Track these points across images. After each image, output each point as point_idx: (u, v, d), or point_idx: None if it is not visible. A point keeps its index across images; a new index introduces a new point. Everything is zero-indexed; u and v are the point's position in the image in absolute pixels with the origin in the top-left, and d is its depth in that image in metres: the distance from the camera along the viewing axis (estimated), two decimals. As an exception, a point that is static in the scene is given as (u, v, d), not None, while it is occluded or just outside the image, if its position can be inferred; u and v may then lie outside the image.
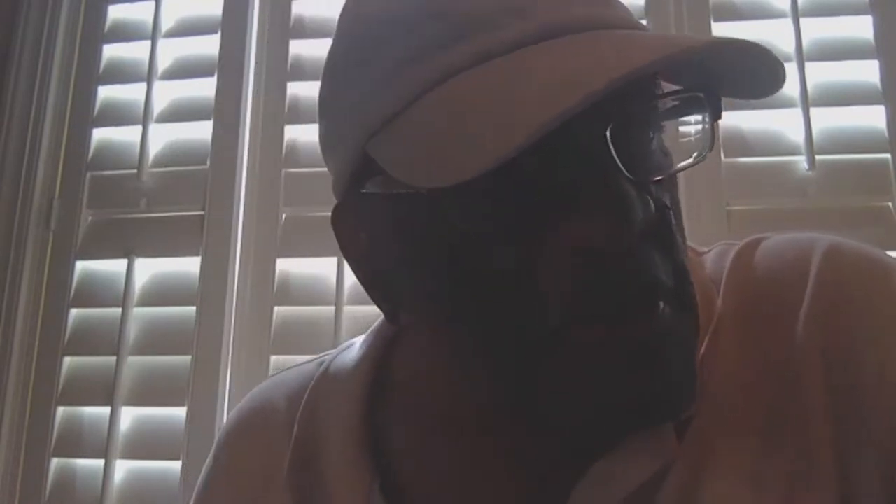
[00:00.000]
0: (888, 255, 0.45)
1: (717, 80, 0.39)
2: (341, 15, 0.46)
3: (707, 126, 0.39)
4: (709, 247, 0.50)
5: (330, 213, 0.45)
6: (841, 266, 0.43)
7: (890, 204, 1.07)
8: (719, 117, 0.39)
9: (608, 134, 0.35)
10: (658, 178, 0.39)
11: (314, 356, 0.57)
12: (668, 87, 0.40)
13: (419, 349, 0.49)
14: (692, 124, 0.40)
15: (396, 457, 0.48)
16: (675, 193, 0.41)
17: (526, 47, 0.37)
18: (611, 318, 0.37)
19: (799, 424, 0.40)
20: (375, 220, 0.43)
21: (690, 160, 0.40)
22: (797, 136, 1.10)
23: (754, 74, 0.39)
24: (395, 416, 0.49)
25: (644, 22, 1.16)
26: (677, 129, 0.41)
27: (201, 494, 0.55)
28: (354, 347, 0.53)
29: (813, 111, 1.09)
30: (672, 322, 0.38)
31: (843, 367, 0.40)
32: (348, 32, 0.45)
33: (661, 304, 0.37)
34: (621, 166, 0.35)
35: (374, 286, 0.44)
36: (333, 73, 0.45)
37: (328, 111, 0.45)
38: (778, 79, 0.39)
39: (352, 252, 0.45)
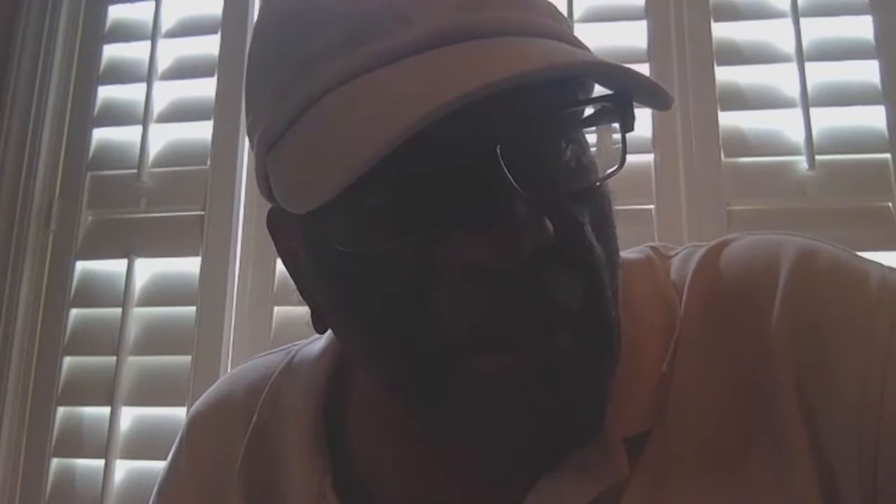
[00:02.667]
0: (858, 258, 0.43)
1: (636, 90, 0.37)
2: (260, 7, 0.45)
3: (619, 137, 0.37)
4: (676, 249, 0.48)
5: None
6: (810, 275, 0.41)
7: (890, 204, 1.07)
8: (630, 129, 0.37)
9: (498, 148, 0.33)
10: (569, 191, 0.37)
11: (284, 346, 0.57)
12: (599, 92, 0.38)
13: None
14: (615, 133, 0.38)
15: (351, 452, 0.48)
16: (601, 207, 0.39)
17: (409, 57, 0.35)
18: (500, 345, 0.35)
19: (772, 434, 0.39)
20: (295, 230, 0.42)
21: (600, 177, 0.38)
22: (797, 136, 1.10)
23: (647, 86, 0.36)
24: (351, 413, 0.49)
25: (644, 23, 1.16)
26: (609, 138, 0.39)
27: (162, 486, 0.55)
28: (322, 338, 0.52)
29: (813, 111, 1.09)
30: (571, 351, 0.35)
31: (818, 376, 0.39)
32: (257, 31, 0.44)
33: (559, 328, 0.35)
34: (512, 181, 0.33)
35: (302, 291, 0.44)
36: (247, 75, 0.44)
37: (246, 115, 0.44)
38: (664, 93, 0.37)
39: (284, 256, 0.45)
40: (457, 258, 0.34)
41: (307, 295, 0.44)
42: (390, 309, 0.36)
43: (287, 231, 0.44)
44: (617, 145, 0.38)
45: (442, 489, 0.44)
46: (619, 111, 0.37)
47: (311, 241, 0.40)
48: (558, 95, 0.37)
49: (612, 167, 0.38)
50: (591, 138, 0.40)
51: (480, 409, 0.36)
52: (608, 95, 0.37)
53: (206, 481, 0.52)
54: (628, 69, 0.35)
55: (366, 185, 0.32)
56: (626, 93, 0.37)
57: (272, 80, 0.39)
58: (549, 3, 0.40)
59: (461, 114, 0.31)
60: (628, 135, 0.38)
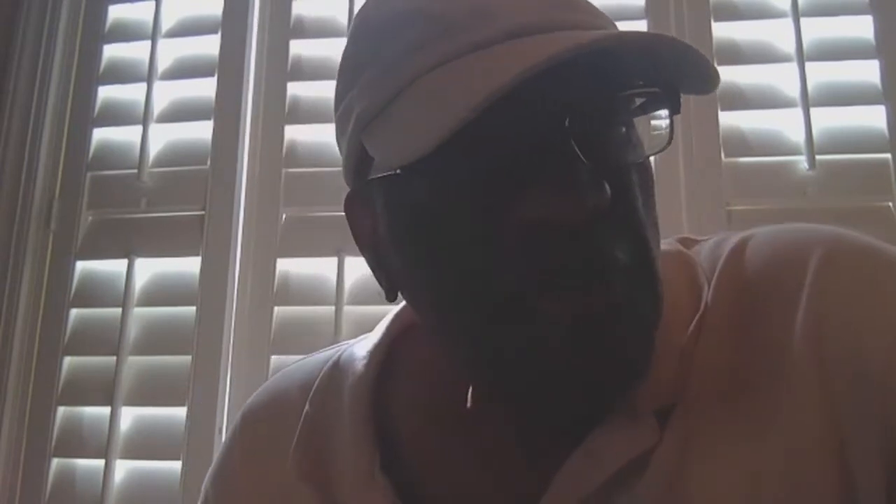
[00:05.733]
0: (887, 248, 0.44)
1: (682, 78, 0.42)
2: (354, 18, 0.51)
3: (667, 121, 0.43)
4: (707, 236, 0.51)
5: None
6: (840, 263, 0.43)
7: (890, 204, 1.07)
8: (677, 112, 0.42)
9: (567, 122, 0.39)
10: (623, 163, 0.42)
11: (332, 346, 0.60)
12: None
13: (423, 335, 0.51)
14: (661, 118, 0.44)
15: (399, 439, 0.50)
16: (647, 180, 0.44)
17: (495, 45, 0.40)
18: (562, 288, 0.39)
19: (793, 410, 0.41)
20: (374, 204, 0.46)
21: (647, 154, 0.44)
22: (797, 136, 1.10)
23: (699, 69, 0.41)
24: (399, 402, 0.51)
25: (644, 22, 1.16)
26: (649, 123, 0.44)
27: (215, 482, 0.57)
28: (371, 335, 0.55)
29: (813, 111, 1.09)
30: (624, 297, 0.40)
31: (842, 357, 0.41)
32: (353, 35, 0.49)
33: (612, 280, 0.39)
34: (578, 152, 0.38)
35: (377, 267, 0.48)
36: (340, 73, 0.49)
37: (337, 108, 0.49)
38: (712, 73, 0.42)
39: (359, 236, 0.49)
40: (527, 213, 0.39)
41: (381, 269, 0.48)
42: (465, 257, 0.41)
43: (364, 210, 0.48)
44: (658, 131, 0.43)
45: (483, 473, 0.47)
46: (668, 98, 0.42)
47: (396, 203, 0.44)
48: (618, 80, 0.41)
49: (656, 146, 0.43)
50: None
51: (543, 348, 0.40)
52: (658, 83, 0.42)
53: (262, 475, 0.54)
54: (689, 47, 0.40)
55: (452, 147, 0.37)
56: (674, 82, 0.42)
57: (370, 70, 0.45)
58: (597, 8, 0.46)
59: (539, 90, 0.37)
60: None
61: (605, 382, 0.40)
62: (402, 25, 0.44)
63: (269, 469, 0.53)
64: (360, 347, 0.55)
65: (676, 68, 0.41)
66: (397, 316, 0.55)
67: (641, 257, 0.41)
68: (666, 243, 0.50)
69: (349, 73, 0.47)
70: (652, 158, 0.44)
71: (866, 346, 0.40)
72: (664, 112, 0.43)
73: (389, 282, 0.47)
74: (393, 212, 0.45)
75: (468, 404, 0.48)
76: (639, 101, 0.43)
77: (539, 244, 0.39)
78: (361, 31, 0.48)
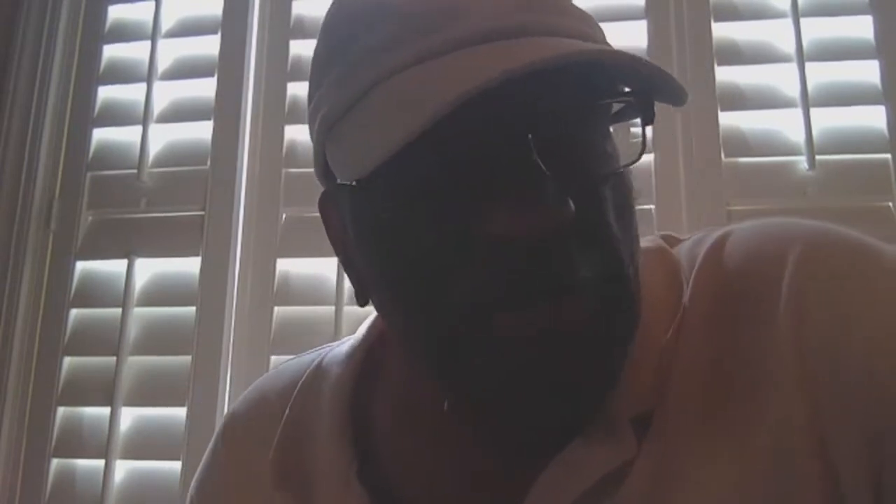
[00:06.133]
0: (871, 241, 0.44)
1: (654, 91, 0.40)
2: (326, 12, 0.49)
3: (640, 131, 0.41)
4: (689, 234, 0.51)
5: None
6: (818, 264, 0.42)
7: (890, 204, 1.07)
8: (650, 122, 0.41)
9: (531, 135, 0.37)
10: (591, 176, 0.40)
11: (316, 348, 0.59)
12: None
13: (393, 339, 0.51)
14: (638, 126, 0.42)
15: (377, 445, 0.50)
16: (622, 193, 0.42)
17: (458, 50, 0.39)
18: (519, 306, 0.38)
19: (774, 412, 0.40)
20: (342, 208, 0.46)
21: (621, 165, 0.42)
22: (797, 136, 1.10)
23: (669, 84, 0.40)
24: (378, 407, 0.51)
25: (644, 22, 1.16)
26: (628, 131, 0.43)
27: (200, 486, 0.57)
28: (350, 338, 0.55)
29: (813, 111, 1.09)
30: (588, 312, 0.39)
31: (823, 356, 0.40)
32: (322, 30, 0.48)
33: (575, 295, 0.38)
34: (541, 165, 0.37)
35: (348, 268, 0.48)
36: (311, 69, 0.48)
37: (308, 106, 0.49)
38: (681, 89, 0.40)
39: (331, 237, 0.49)
40: (488, 227, 0.38)
41: (352, 271, 0.48)
42: (427, 270, 0.40)
43: (336, 211, 0.47)
44: (636, 139, 0.41)
45: (460, 477, 0.46)
46: (640, 107, 0.41)
47: (358, 212, 0.44)
48: (588, 89, 0.40)
49: (630, 157, 0.42)
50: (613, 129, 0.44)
51: (501, 365, 0.39)
52: (631, 92, 0.41)
53: (244, 479, 0.54)
54: (654, 66, 0.38)
55: (410, 156, 0.36)
56: (648, 91, 0.40)
57: (336, 68, 0.43)
58: (584, 12, 0.44)
59: (502, 99, 0.36)
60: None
61: (568, 401, 0.40)
62: (369, 21, 0.42)
63: (251, 475, 0.53)
64: (342, 350, 0.54)
65: (648, 80, 0.39)
66: (379, 317, 0.54)
67: (612, 272, 0.40)
68: (648, 240, 0.49)
69: (317, 70, 0.46)
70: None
71: (847, 341, 0.40)
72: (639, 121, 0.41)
73: (360, 284, 0.47)
74: (357, 219, 0.44)
75: (445, 408, 0.47)
76: (613, 109, 0.42)
77: (500, 259, 0.38)
78: (329, 27, 0.46)
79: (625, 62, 0.38)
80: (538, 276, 0.38)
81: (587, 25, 0.43)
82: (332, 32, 0.46)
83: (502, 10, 0.40)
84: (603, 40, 0.43)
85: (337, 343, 0.58)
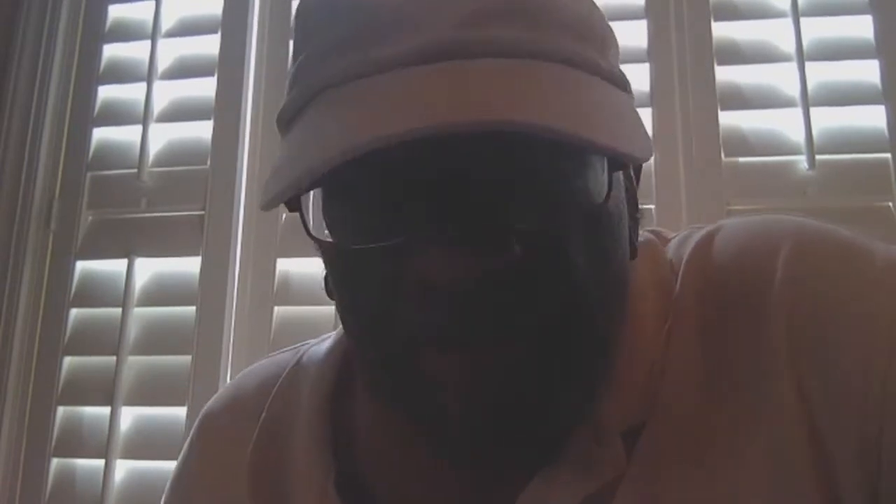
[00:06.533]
0: (860, 238, 0.43)
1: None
2: None
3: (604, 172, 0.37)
4: (676, 232, 0.49)
5: None
6: (810, 259, 0.42)
7: (890, 204, 1.07)
8: (618, 168, 0.38)
9: (468, 174, 0.34)
10: (541, 216, 0.36)
11: (294, 345, 0.58)
12: None
13: None
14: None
15: (356, 450, 0.49)
16: (596, 230, 0.38)
17: (398, 69, 0.35)
18: (446, 347, 0.37)
19: (768, 422, 0.39)
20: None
21: (593, 198, 0.37)
22: (797, 136, 1.10)
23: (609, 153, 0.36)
24: (356, 411, 0.50)
25: (644, 22, 1.16)
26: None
27: (174, 486, 0.56)
28: (330, 336, 0.54)
29: (813, 111, 1.09)
30: (519, 359, 0.36)
31: (817, 363, 0.39)
32: (295, 18, 0.46)
33: (508, 339, 0.36)
34: (478, 206, 0.35)
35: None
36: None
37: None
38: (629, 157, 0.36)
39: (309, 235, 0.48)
40: (414, 270, 0.36)
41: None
42: (364, 303, 0.39)
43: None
44: (603, 177, 0.37)
45: (440, 486, 0.45)
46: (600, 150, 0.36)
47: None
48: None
49: (600, 196, 0.37)
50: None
51: (433, 405, 0.38)
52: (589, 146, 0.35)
53: (218, 480, 0.52)
54: (591, 141, 0.33)
55: (344, 188, 0.36)
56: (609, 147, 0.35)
57: (293, 65, 0.42)
58: (577, 21, 0.39)
59: (438, 137, 0.32)
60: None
61: (496, 448, 0.38)
62: (326, 21, 0.40)
63: (225, 474, 0.52)
64: (321, 349, 0.53)
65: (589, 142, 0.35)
66: None
67: (566, 312, 0.37)
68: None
69: (293, 59, 0.44)
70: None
71: (840, 341, 0.39)
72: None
73: (329, 287, 0.46)
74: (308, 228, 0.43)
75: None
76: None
77: (426, 302, 0.36)
78: (299, 13, 0.44)
79: (534, 132, 0.33)
80: (462, 321, 0.36)
81: (573, 37, 0.38)
82: (299, 24, 0.43)
83: (454, 22, 0.36)
84: (599, 48, 0.40)
85: (315, 340, 0.56)
